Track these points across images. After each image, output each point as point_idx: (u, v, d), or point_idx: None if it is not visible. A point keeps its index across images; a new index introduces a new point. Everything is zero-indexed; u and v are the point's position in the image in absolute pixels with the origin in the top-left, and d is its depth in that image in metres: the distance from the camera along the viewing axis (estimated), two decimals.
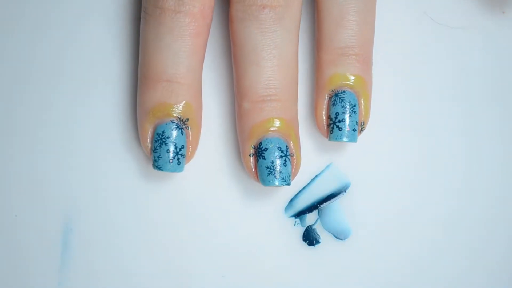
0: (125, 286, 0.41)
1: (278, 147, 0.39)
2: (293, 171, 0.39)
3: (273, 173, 0.39)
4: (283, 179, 0.39)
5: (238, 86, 0.39)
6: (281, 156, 0.39)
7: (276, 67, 0.39)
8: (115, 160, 0.41)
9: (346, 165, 0.42)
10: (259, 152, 0.39)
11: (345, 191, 0.42)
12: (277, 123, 0.39)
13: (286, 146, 0.39)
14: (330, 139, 0.40)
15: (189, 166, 0.41)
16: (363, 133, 0.41)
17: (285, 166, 0.39)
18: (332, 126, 0.40)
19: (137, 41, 0.41)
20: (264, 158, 0.39)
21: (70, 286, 0.41)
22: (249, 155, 0.39)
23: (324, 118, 0.40)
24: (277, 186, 0.39)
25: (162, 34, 0.38)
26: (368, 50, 0.40)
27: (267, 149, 0.39)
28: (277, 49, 0.39)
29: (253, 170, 0.39)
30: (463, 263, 0.42)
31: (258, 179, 0.39)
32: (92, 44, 0.42)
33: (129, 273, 0.41)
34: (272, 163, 0.39)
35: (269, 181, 0.39)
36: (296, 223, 0.42)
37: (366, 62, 0.40)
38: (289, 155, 0.39)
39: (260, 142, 0.39)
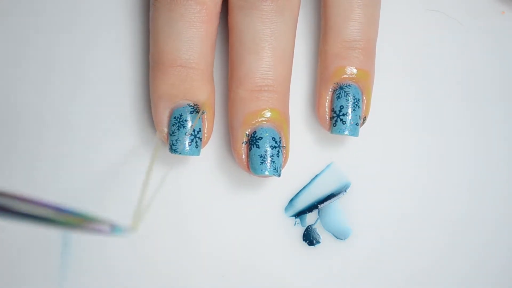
0: (125, 286, 0.41)
1: (273, 137, 0.39)
2: (282, 163, 0.39)
3: (265, 162, 0.39)
4: (275, 169, 0.39)
5: (234, 73, 0.39)
6: (274, 147, 0.39)
7: (275, 58, 0.39)
8: (115, 160, 0.41)
9: (346, 165, 0.42)
10: (253, 140, 0.39)
11: (345, 191, 0.42)
12: (271, 114, 0.39)
13: (280, 137, 0.39)
14: (332, 132, 0.40)
15: (189, 165, 0.41)
16: (364, 132, 0.41)
17: (278, 156, 0.39)
18: (336, 119, 0.40)
19: (144, 30, 0.42)
20: (258, 147, 0.39)
21: (70, 286, 0.41)
22: (242, 143, 0.39)
23: (327, 110, 0.40)
24: (267, 176, 0.39)
25: (173, 21, 0.38)
26: (373, 45, 0.40)
27: (261, 138, 0.39)
28: (276, 40, 0.39)
29: (244, 158, 0.39)
30: (464, 263, 0.42)
31: (248, 167, 0.39)
32: (95, 36, 0.42)
33: (129, 273, 0.41)
34: (266, 152, 0.39)
35: (261, 170, 0.39)
36: (296, 223, 0.42)
37: (371, 56, 0.40)
38: (282, 146, 0.39)
39: (255, 131, 0.39)
